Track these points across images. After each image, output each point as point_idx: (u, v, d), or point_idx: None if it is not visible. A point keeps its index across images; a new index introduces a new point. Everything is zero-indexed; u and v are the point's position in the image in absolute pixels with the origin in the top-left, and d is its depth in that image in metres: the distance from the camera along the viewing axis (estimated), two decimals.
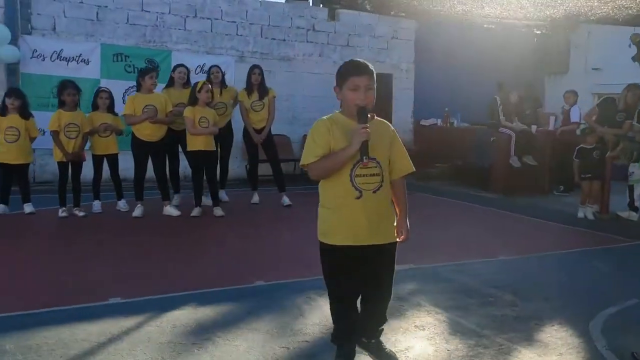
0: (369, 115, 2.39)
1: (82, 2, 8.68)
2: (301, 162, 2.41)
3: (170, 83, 6.86)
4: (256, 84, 7.03)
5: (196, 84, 6.17)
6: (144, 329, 3.06)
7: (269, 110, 7.10)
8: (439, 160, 10.74)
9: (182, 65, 6.96)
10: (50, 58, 8.47)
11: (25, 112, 5.94)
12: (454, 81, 11.70)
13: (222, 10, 9.74)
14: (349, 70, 2.39)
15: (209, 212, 6.30)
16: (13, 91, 5.96)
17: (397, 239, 2.51)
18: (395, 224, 2.51)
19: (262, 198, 7.25)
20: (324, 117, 2.44)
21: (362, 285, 2.54)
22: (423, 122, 11.80)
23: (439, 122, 11.69)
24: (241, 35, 9.92)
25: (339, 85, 2.43)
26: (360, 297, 2.60)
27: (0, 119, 5.85)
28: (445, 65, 11.66)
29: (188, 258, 4.68)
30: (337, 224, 2.42)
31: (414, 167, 2.57)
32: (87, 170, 6.40)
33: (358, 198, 2.37)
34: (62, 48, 8.55)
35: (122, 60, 8.94)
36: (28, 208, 6.05)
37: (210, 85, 6.23)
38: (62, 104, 5.94)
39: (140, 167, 6.16)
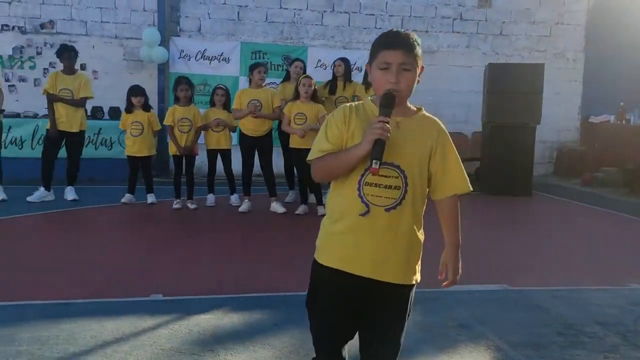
0: (410, 106, 1.79)
1: (225, 4, 9.07)
2: (307, 157, 1.82)
3: (287, 77, 6.76)
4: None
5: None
6: (157, 332, 2.90)
7: None
8: (607, 163, 9.16)
9: (298, 59, 6.83)
10: (195, 58, 9.00)
11: (146, 107, 6.31)
12: (632, 70, 9.91)
13: (360, 4, 9.45)
14: (379, 43, 1.75)
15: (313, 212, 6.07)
16: (138, 89, 6.36)
17: (414, 281, 1.79)
18: (419, 260, 1.81)
19: None
20: (351, 103, 1.82)
21: (354, 331, 1.83)
22: (592, 119, 10.21)
23: (612, 118, 10.00)
24: (380, 28, 9.51)
25: (370, 62, 1.79)
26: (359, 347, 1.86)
27: (126, 115, 6.28)
28: (621, 52, 9.92)
29: (265, 259, 4.49)
30: (332, 241, 1.78)
31: (470, 187, 1.84)
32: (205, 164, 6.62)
33: (363, 215, 1.71)
34: (206, 48, 9.03)
35: (260, 58, 9.14)
36: (150, 198, 6.41)
37: (311, 79, 5.95)
38: (176, 100, 6.18)
39: (245, 162, 6.16)
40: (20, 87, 9.02)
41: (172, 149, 6.21)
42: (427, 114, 1.82)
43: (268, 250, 4.80)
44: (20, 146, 8.20)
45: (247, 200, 6.19)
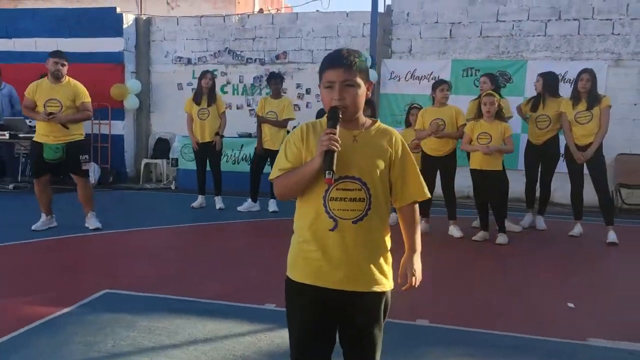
0: (366, 120, 1.85)
1: (437, 22, 8.94)
2: (269, 177, 1.90)
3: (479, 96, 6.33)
4: (584, 92, 5.72)
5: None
6: (243, 339, 3.01)
7: (600, 122, 5.67)
8: None
9: (485, 74, 6.36)
10: (405, 78, 9.06)
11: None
12: None
13: (593, 8, 8.29)
14: (322, 63, 1.83)
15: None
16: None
17: (388, 287, 1.83)
18: (390, 265, 1.87)
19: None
20: (309, 122, 1.90)
21: (332, 343, 1.86)
22: None
23: None
24: (618, 34, 8.20)
25: (319, 84, 1.87)
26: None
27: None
28: None
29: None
30: (303, 257, 1.83)
31: (428, 194, 1.90)
32: None
33: (332, 229, 1.76)
34: (416, 68, 9.03)
35: (471, 75, 8.75)
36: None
37: (494, 97, 5.45)
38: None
39: (427, 182, 5.93)
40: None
41: None
42: (384, 125, 1.88)
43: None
44: (249, 162, 9.37)
45: (424, 221, 5.96)
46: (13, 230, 5.57)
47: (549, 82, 6.13)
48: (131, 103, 10.25)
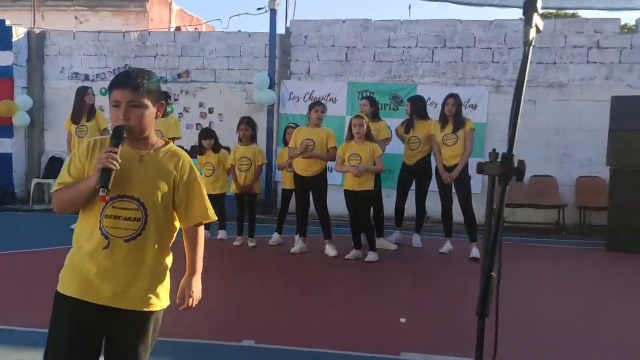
0: (157, 141, 1.93)
1: (333, 45, 9.19)
2: (51, 189, 1.94)
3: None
4: (450, 115, 6.05)
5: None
6: None
7: (465, 145, 6.01)
8: None
9: (366, 97, 6.63)
10: (304, 99, 9.22)
11: (216, 148, 6.58)
12: None
13: (475, 37, 8.81)
14: (111, 83, 1.90)
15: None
16: (207, 132, 6.72)
17: (159, 307, 1.88)
18: (165, 286, 1.92)
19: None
20: (97, 137, 1.96)
21: (95, 358, 1.87)
22: None
23: None
24: (497, 62, 8.74)
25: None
26: None
27: (199, 157, 6.64)
28: None
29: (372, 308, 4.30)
30: (74, 271, 1.85)
31: (213, 216, 1.99)
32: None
33: (105, 247, 1.81)
34: (314, 89, 9.22)
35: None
36: (221, 234, 6.64)
37: (362, 119, 5.68)
38: (239, 140, 6.37)
39: (297, 202, 6.07)
40: None
41: (233, 188, 6.38)
42: (175, 148, 1.97)
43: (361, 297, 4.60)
44: None
45: (301, 241, 6.05)
46: None
47: (417, 106, 6.45)
48: (21, 120, 9.82)
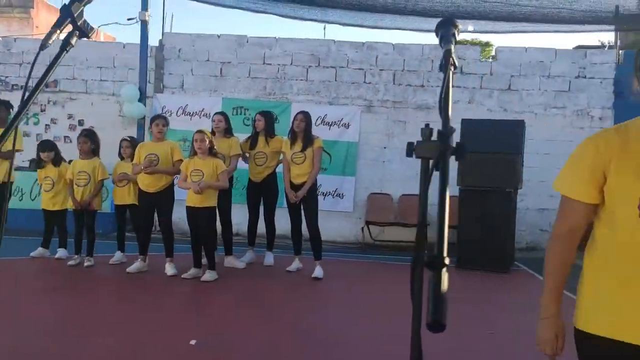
0: None
1: (208, 60, 9.05)
2: None
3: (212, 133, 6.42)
4: (299, 131, 6.03)
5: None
6: None
7: (313, 163, 6.00)
8: None
9: (218, 113, 6.51)
10: (176, 113, 8.98)
11: (57, 161, 6.22)
12: None
13: (348, 58, 8.97)
14: None
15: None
16: (47, 144, 6.36)
17: None
18: None
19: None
20: None
21: None
22: None
23: None
24: (369, 82, 8.93)
25: None
26: None
27: (39, 171, 6.25)
28: None
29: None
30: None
31: None
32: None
33: None
34: (187, 103, 9.01)
35: (241, 114, 8.92)
36: (60, 252, 6.24)
37: (204, 134, 5.55)
38: (80, 153, 6.07)
39: (142, 221, 5.83)
40: (25, 141, 9.54)
41: (71, 203, 6.04)
42: None
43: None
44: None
45: (140, 259, 5.79)
46: None
47: (270, 121, 6.40)
48: None
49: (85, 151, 6.00)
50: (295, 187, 5.99)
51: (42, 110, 9.57)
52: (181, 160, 5.69)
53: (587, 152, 1.50)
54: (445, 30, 1.22)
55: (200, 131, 5.61)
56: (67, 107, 9.49)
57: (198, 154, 5.53)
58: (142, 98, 8.84)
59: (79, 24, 1.33)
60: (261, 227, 6.42)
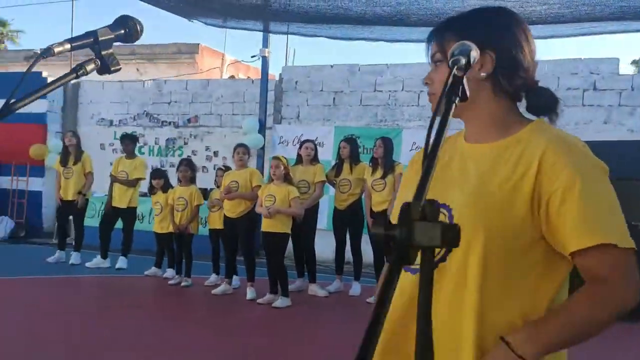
0: None
1: (322, 90, 9.30)
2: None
3: (299, 160, 6.56)
4: (378, 158, 5.90)
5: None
6: None
7: (394, 189, 5.79)
8: None
9: (308, 140, 6.60)
10: (293, 143, 9.33)
11: (165, 188, 6.83)
12: None
13: None
14: None
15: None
16: (157, 172, 7.01)
17: None
18: None
19: None
20: None
21: None
22: None
23: None
24: None
25: None
26: None
27: (152, 197, 6.92)
28: None
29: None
30: None
31: None
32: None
33: None
34: (302, 133, 9.30)
35: None
36: (168, 272, 6.81)
37: (279, 160, 5.69)
38: (178, 181, 6.58)
39: (226, 244, 6.13)
40: (171, 171, 10.72)
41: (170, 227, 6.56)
42: None
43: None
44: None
45: (225, 282, 6.06)
46: None
47: (356, 148, 6.34)
48: (52, 161, 10.77)
49: (185, 179, 6.53)
50: (376, 215, 5.82)
51: (185, 143, 10.65)
52: (259, 186, 5.89)
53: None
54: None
55: (276, 157, 5.78)
56: (205, 139, 10.44)
57: (274, 180, 5.68)
58: (262, 129, 9.36)
59: (103, 53, 1.05)
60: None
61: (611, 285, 1.08)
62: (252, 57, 9.82)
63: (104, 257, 7.42)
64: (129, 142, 7.55)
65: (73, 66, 1.04)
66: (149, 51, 17.07)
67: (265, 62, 9.44)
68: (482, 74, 1.19)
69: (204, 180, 8.81)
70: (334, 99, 9.23)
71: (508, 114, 1.23)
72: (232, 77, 15.41)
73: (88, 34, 1.02)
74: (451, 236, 0.61)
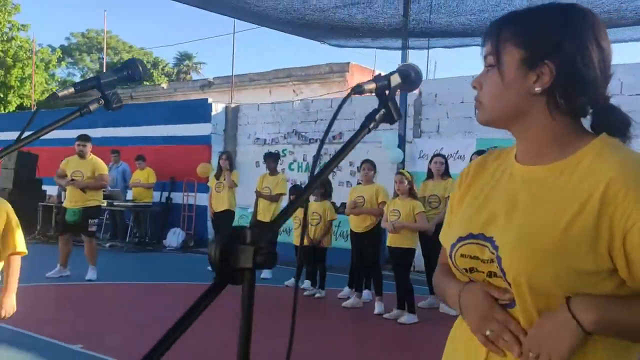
0: None
1: (462, 102, 9.05)
2: None
3: (430, 175, 6.48)
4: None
5: None
6: None
7: None
8: None
9: (439, 155, 6.48)
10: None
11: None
12: None
13: (622, 83, 7.69)
14: None
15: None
16: (295, 188, 7.35)
17: None
18: None
19: None
20: None
21: None
22: None
23: None
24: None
25: None
26: None
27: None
28: None
29: None
30: None
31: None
32: None
33: None
34: (442, 146, 9.14)
35: None
36: (305, 284, 7.15)
37: (402, 176, 5.70)
38: (314, 196, 6.88)
39: (352, 258, 6.26)
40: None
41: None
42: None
43: None
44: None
45: (354, 296, 6.18)
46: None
47: None
48: None
49: (317, 195, 6.82)
50: None
51: None
52: (385, 203, 5.94)
53: None
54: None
55: (400, 172, 5.80)
56: (349, 155, 10.60)
57: (399, 195, 5.70)
58: (402, 143, 9.38)
59: (106, 93, 1.27)
60: None
61: None
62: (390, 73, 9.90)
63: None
64: (271, 160, 8.10)
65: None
66: (303, 73, 18.07)
67: None
68: (537, 89, 1.06)
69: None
70: (475, 110, 8.90)
71: (568, 130, 1.08)
72: None
73: (92, 79, 1.23)
74: (261, 259, 0.66)
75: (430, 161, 6.55)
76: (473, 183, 1.21)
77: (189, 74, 35.80)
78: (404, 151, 9.38)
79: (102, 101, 1.23)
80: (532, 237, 1.01)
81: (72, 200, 7.15)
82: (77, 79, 33.73)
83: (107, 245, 11.04)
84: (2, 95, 20.48)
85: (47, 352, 4.29)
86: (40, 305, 5.82)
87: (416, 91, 9.76)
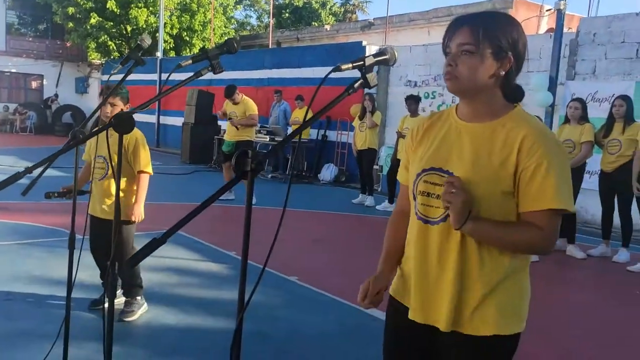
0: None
1: (623, 42, 8.41)
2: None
3: (566, 119, 6.39)
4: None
5: None
6: None
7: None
8: None
9: (576, 99, 6.32)
10: (586, 100, 8.78)
11: None
12: None
13: None
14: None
15: None
16: None
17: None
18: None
19: None
20: None
21: None
22: None
23: None
24: None
25: None
26: None
27: None
28: None
29: None
30: None
31: None
32: None
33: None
34: (597, 90, 8.67)
35: None
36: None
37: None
38: None
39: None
40: None
41: None
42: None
43: None
44: None
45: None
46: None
47: (631, 106, 5.84)
48: None
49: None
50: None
51: None
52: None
53: None
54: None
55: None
56: None
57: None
58: (553, 86, 9.07)
59: (213, 62, 1.81)
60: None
61: (544, 233, 1.52)
62: (546, 11, 9.44)
63: (391, 202, 8.68)
64: (413, 101, 8.47)
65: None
66: (465, 11, 17.55)
67: (560, 15, 9.03)
68: (502, 72, 1.54)
69: None
70: (637, 50, 8.27)
71: (500, 101, 1.59)
72: (550, 29, 14.71)
73: (203, 54, 1.84)
74: (254, 167, 1.26)
75: (567, 106, 6.45)
76: (425, 136, 1.72)
77: (355, 13, 36.22)
78: (554, 94, 9.08)
79: (209, 68, 1.83)
80: (479, 168, 1.54)
81: (229, 135, 8.48)
82: (253, 20, 36.21)
83: (269, 176, 12.43)
84: (187, 39, 22.98)
85: (210, 255, 5.42)
86: (209, 222, 7.11)
87: (573, 29, 9.26)
